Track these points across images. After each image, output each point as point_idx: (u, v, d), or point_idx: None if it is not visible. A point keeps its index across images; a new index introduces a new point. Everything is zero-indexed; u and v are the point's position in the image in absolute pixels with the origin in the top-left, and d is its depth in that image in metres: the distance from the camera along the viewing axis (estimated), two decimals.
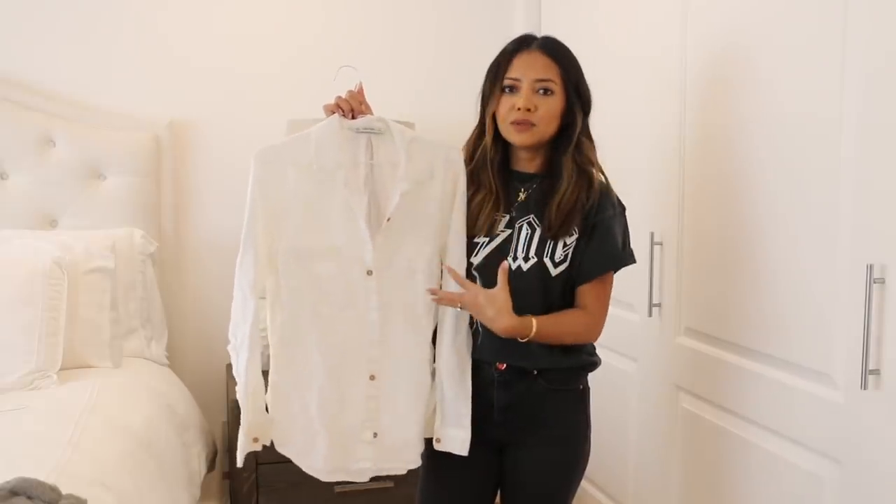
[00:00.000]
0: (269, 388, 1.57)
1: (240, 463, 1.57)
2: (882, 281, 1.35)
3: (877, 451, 1.39)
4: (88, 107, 2.67)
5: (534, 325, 1.51)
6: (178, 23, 2.74)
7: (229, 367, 2.72)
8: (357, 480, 1.61)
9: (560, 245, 1.56)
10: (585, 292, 1.58)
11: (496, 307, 1.48)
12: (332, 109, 1.57)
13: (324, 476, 1.59)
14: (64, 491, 1.32)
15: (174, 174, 2.76)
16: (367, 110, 1.59)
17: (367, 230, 1.52)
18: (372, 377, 1.56)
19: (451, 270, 1.54)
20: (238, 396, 1.55)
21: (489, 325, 1.51)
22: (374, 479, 1.64)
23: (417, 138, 1.56)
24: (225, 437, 2.69)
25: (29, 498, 1.26)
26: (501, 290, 1.49)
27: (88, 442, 1.70)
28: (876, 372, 1.37)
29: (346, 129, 1.54)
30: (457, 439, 1.59)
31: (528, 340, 1.52)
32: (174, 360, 2.68)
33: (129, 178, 2.64)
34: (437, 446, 1.61)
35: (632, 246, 1.63)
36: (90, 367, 2.27)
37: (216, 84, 2.78)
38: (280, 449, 1.59)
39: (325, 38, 2.85)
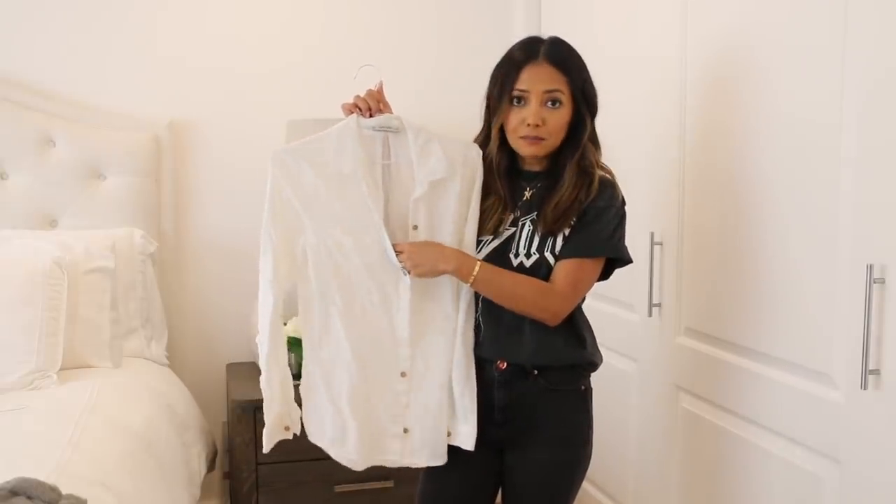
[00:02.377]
0: (302, 379, 1.61)
1: (266, 449, 1.60)
2: (882, 281, 1.35)
3: (877, 451, 1.39)
4: (88, 107, 2.67)
5: (477, 265, 1.53)
6: (178, 23, 2.74)
7: (229, 366, 2.75)
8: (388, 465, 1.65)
9: (559, 238, 1.56)
10: (557, 268, 1.56)
11: (435, 248, 1.54)
12: (350, 109, 1.59)
13: (358, 466, 1.62)
14: (64, 491, 1.32)
15: (174, 174, 2.76)
16: (385, 109, 1.60)
17: (385, 228, 1.55)
18: (403, 374, 1.59)
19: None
20: (262, 386, 1.59)
21: (440, 264, 1.53)
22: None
23: (434, 138, 1.57)
24: (225, 437, 2.70)
25: (29, 498, 1.26)
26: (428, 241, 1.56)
27: (88, 442, 1.70)
28: (876, 372, 1.37)
29: (364, 129, 1.56)
30: (464, 434, 1.60)
31: (472, 283, 1.53)
32: (174, 360, 2.68)
33: (129, 178, 2.63)
34: (447, 441, 1.62)
35: (627, 245, 1.61)
36: (90, 367, 2.27)
37: (216, 84, 2.78)
38: (312, 439, 1.62)
39: (327, 38, 2.85)
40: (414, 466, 1.65)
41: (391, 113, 1.60)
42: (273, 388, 1.59)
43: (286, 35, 2.83)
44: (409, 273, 1.55)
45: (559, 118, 1.55)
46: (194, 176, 2.80)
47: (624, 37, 2.25)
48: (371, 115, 1.57)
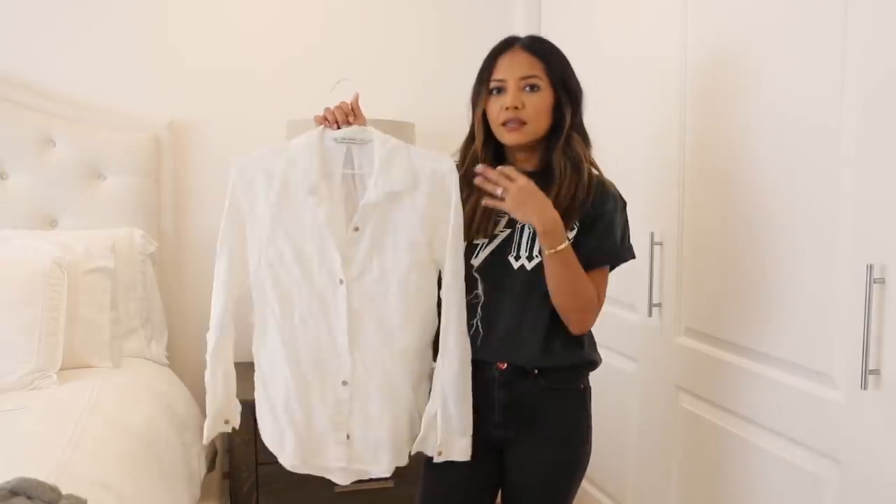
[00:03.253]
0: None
1: (205, 441, 1.71)
2: (882, 281, 1.35)
3: (877, 451, 1.39)
4: (88, 107, 2.67)
5: (565, 243, 1.48)
6: (179, 23, 2.74)
7: None
8: (336, 481, 1.63)
9: None
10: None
11: (544, 203, 1.48)
12: (320, 121, 1.59)
13: (296, 469, 1.64)
14: (64, 491, 1.32)
15: (174, 174, 2.77)
16: (356, 121, 1.59)
17: (333, 240, 1.53)
18: (344, 382, 1.58)
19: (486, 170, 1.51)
20: (206, 380, 1.69)
21: (535, 215, 1.47)
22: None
23: (403, 148, 1.55)
24: (225, 437, 2.69)
25: (29, 498, 1.26)
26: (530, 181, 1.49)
27: (88, 442, 1.71)
28: (876, 372, 1.37)
29: (328, 140, 1.56)
30: (458, 448, 1.58)
31: (554, 253, 1.47)
32: (174, 360, 2.68)
33: (129, 178, 2.64)
34: (437, 459, 1.59)
35: (631, 242, 1.64)
36: (90, 367, 2.27)
37: (216, 84, 2.78)
38: (264, 440, 1.67)
39: (326, 38, 2.85)
40: (361, 478, 1.62)
41: (363, 124, 1.59)
42: (216, 382, 1.68)
43: (286, 35, 2.83)
44: (503, 199, 1.48)
45: (538, 101, 1.55)
46: (194, 176, 2.80)
47: (624, 37, 2.25)
48: (339, 127, 1.57)
